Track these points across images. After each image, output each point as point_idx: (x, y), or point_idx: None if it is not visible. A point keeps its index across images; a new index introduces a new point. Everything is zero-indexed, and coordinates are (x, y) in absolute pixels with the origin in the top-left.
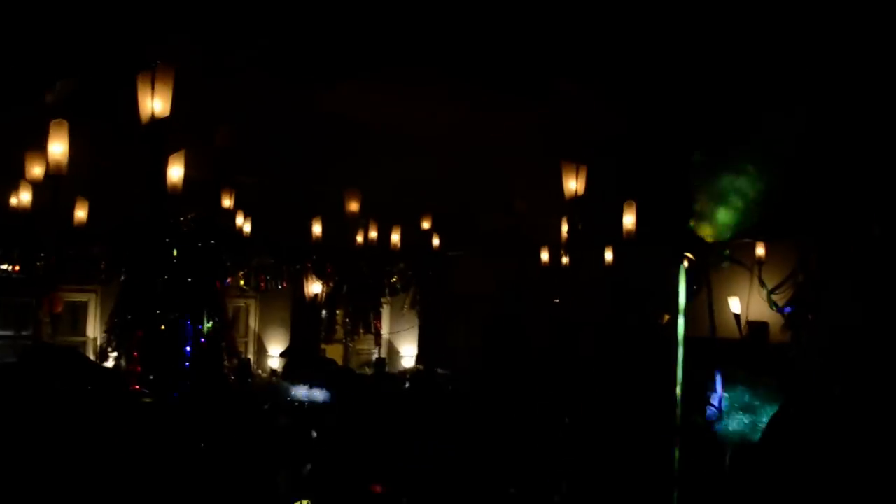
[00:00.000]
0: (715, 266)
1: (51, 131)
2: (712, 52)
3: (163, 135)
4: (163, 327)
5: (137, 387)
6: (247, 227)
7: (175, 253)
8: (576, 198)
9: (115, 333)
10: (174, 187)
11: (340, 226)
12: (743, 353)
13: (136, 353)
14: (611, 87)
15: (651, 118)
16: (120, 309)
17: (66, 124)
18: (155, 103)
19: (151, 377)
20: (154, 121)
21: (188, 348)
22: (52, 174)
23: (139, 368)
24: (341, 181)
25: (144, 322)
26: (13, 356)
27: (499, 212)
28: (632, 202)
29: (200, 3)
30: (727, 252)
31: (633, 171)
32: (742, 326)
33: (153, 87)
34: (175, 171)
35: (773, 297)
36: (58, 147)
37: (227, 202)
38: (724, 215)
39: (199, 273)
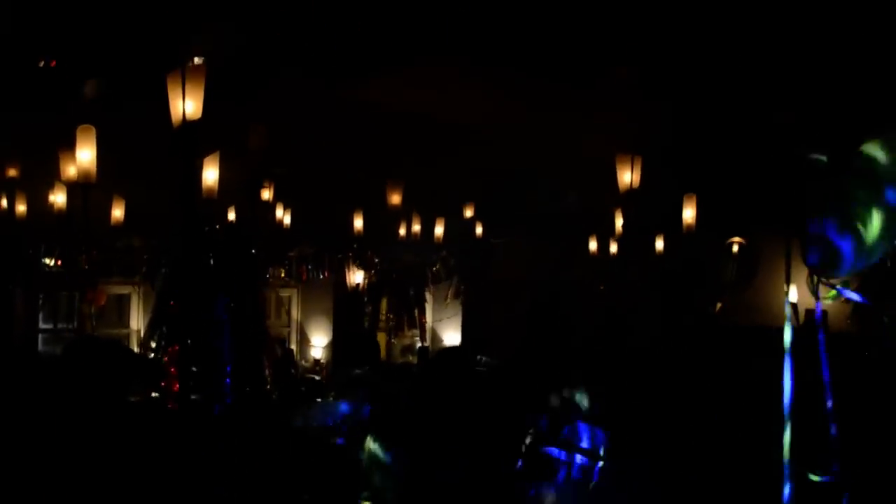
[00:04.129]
0: None
1: (78, 138)
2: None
3: (195, 137)
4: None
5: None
6: (287, 220)
7: (211, 262)
8: (631, 190)
9: (155, 331)
10: (209, 191)
11: (382, 216)
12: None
13: (171, 349)
14: (665, 73)
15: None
16: (158, 308)
17: (93, 130)
18: (186, 105)
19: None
20: (185, 123)
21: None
22: (81, 182)
23: (173, 370)
24: (382, 171)
25: (182, 325)
26: (58, 349)
27: (542, 198)
28: (692, 195)
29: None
30: None
31: (686, 161)
32: (798, 315)
33: (184, 88)
34: (210, 174)
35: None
36: (86, 154)
37: (266, 195)
38: None
39: (236, 279)
